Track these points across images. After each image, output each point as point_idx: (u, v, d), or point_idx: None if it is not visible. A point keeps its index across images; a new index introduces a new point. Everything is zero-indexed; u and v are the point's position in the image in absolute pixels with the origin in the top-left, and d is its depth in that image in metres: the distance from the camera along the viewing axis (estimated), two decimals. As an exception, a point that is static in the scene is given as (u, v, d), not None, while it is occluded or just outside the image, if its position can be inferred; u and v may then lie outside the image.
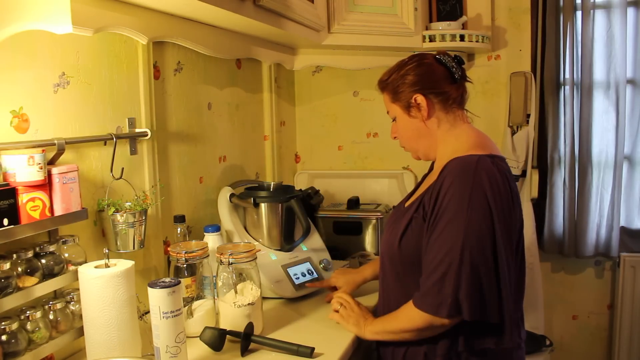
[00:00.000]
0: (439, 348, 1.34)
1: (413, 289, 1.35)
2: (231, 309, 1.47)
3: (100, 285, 1.23)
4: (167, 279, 1.25)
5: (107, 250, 1.30)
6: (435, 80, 1.41)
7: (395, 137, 1.51)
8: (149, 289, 1.23)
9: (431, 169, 1.54)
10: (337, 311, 1.54)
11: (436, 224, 1.30)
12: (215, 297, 1.55)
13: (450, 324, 1.29)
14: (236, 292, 1.49)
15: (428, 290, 1.28)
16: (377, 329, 1.43)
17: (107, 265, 1.27)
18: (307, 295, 1.80)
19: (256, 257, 1.53)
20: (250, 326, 1.41)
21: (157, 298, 1.22)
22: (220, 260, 1.49)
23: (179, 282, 1.25)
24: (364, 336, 1.45)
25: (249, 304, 1.47)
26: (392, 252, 1.43)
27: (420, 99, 1.40)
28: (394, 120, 1.49)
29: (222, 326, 1.48)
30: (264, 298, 1.64)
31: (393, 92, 1.44)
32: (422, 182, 1.53)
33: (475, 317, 1.26)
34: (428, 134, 1.43)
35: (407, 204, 1.46)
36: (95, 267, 1.27)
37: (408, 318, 1.34)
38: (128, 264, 1.28)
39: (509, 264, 1.30)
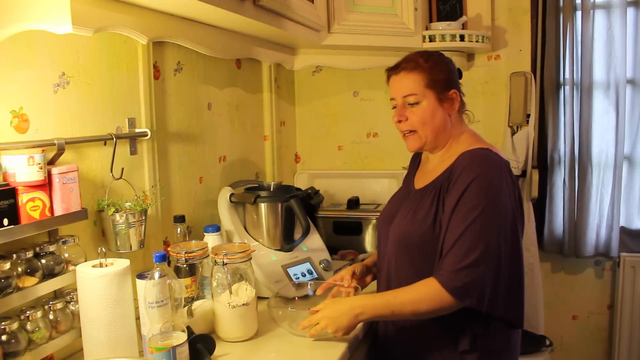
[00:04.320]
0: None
1: (427, 273, 1.36)
2: (226, 309, 1.46)
3: (96, 284, 1.23)
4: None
5: (103, 249, 1.29)
6: (458, 81, 1.52)
7: (400, 121, 1.47)
8: (137, 280, 1.26)
9: (416, 158, 1.65)
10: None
11: (462, 209, 1.33)
12: (214, 298, 1.55)
13: (454, 309, 1.32)
14: (231, 292, 1.47)
15: (457, 274, 1.29)
16: (377, 301, 1.38)
17: (102, 265, 1.27)
18: (306, 296, 1.79)
19: (251, 257, 1.52)
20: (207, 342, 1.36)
21: (142, 288, 1.25)
22: (215, 261, 1.48)
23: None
24: (360, 313, 1.37)
25: (243, 304, 1.46)
26: (407, 234, 1.44)
27: (455, 94, 1.48)
28: (412, 104, 1.45)
29: (217, 327, 1.48)
30: (263, 298, 1.64)
31: (431, 78, 1.45)
32: (418, 166, 1.61)
33: (495, 311, 1.32)
34: (448, 127, 1.48)
35: (418, 187, 1.51)
36: (92, 266, 1.27)
37: (427, 294, 1.32)
38: (124, 263, 1.28)
39: (519, 256, 1.39)
